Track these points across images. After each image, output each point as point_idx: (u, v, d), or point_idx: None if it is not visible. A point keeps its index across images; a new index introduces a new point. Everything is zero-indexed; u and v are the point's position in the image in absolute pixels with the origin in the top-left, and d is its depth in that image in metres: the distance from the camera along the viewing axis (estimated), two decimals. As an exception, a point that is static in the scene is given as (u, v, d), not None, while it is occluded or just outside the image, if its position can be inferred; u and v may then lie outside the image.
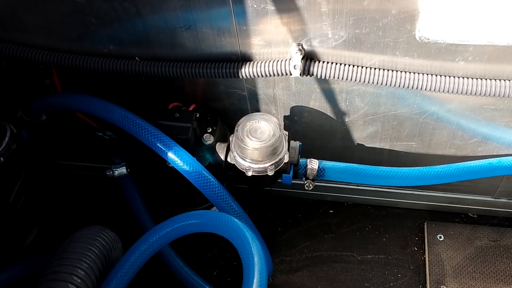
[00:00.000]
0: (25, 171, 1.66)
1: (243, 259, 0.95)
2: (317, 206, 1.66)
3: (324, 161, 1.20)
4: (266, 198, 1.69)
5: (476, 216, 1.60)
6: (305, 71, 1.12)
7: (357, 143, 1.38)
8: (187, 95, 1.34)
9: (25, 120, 1.35)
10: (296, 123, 1.34)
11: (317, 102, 1.27)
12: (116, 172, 1.31)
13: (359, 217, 1.62)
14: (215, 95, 1.32)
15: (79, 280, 0.96)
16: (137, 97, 1.37)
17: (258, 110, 1.33)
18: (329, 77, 1.12)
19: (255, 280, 0.88)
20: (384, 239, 1.57)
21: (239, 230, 0.99)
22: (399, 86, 1.12)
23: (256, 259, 0.92)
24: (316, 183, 1.58)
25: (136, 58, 1.22)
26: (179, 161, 1.14)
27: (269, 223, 1.64)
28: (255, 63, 1.15)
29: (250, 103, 1.32)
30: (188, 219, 1.03)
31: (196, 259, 1.57)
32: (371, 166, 1.22)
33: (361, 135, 1.35)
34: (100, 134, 1.40)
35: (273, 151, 1.13)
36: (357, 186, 1.59)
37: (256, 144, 1.12)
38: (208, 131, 1.26)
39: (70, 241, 1.06)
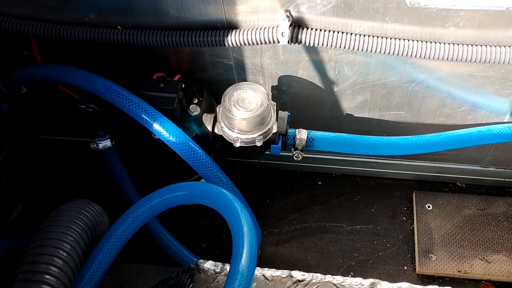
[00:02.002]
0: (7, 146, 1.63)
1: (232, 230, 0.93)
2: (305, 177, 1.65)
3: (313, 131, 1.18)
4: (254, 171, 1.68)
5: (464, 185, 1.61)
6: (293, 39, 1.10)
7: (346, 113, 1.37)
8: (171, 65, 1.31)
9: (4, 93, 1.30)
10: (284, 93, 1.32)
11: (306, 72, 1.24)
12: (100, 145, 1.28)
13: (348, 188, 1.62)
14: (200, 65, 1.28)
15: (64, 254, 0.94)
16: (120, 68, 1.33)
17: (245, 80, 1.30)
18: (318, 44, 1.10)
19: (244, 250, 0.87)
20: (372, 210, 1.57)
21: (227, 201, 0.97)
22: (388, 53, 1.10)
23: (245, 229, 0.90)
24: (304, 155, 1.57)
25: (118, 27, 1.18)
26: (165, 132, 1.11)
27: (258, 195, 1.63)
28: (242, 30, 1.12)
29: (237, 73, 1.29)
30: (176, 190, 1.01)
31: (184, 233, 1.55)
32: (360, 135, 1.21)
33: (350, 104, 1.33)
34: (83, 106, 1.36)
35: (261, 121, 1.11)
36: (346, 157, 1.58)
37: (243, 114, 1.09)
38: (194, 101, 1.23)
39: (55, 214, 1.04)
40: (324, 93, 1.30)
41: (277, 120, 1.17)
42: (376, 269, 1.46)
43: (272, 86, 1.31)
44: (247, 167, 1.68)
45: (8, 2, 1.19)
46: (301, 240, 1.53)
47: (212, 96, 1.32)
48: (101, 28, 1.17)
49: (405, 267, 1.46)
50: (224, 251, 1.54)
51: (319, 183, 1.64)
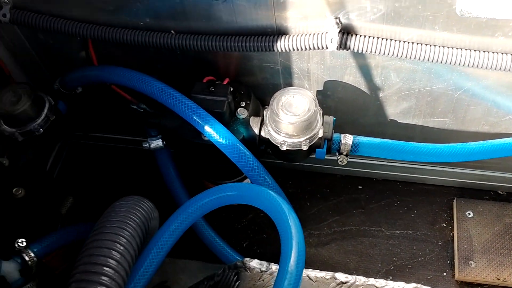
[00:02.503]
0: (60, 142, 1.71)
1: (280, 230, 0.96)
2: (345, 181, 1.67)
3: (358, 136, 1.20)
4: (294, 173, 1.71)
5: (505, 193, 1.60)
6: (342, 45, 1.12)
7: (390, 119, 1.38)
8: (220, 69, 1.35)
9: (61, 92, 1.37)
10: (329, 98, 1.35)
11: (352, 77, 1.27)
12: (152, 144, 1.33)
13: (388, 193, 1.63)
14: (248, 69, 1.32)
15: (121, 248, 0.99)
16: (171, 71, 1.38)
17: (291, 85, 1.33)
18: (366, 51, 1.12)
19: (293, 251, 0.90)
20: (412, 215, 1.58)
21: (275, 203, 1.00)
22: (436, 61, 1.11)
23: (293, 230, 0.94)
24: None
25: (172, 31, 1.23)
26: (215, 134, 1.16)
27: (298, 197, 1.66)
28: (291, 36, 1.15)
29: (283, 78, 1.32)
30: (226, 190, 1.05)
31: (226, 231, 1.60)
32: (405, 142, 1.22)
33: (394, 110, 1.35)
34: (135, 107, 1.42)
35: (308, 125, 1.14)
36: (387, 162, 1.59)
37: (291, 118, 1.12)
38: (242, 105, 1.27)
39: (111, 210, 1.09)
40: (369, 98, 1.32)
41: (322, 124, 1.19)
42: (415, 274, 1.47)
43: (317, 91, 1.33)
44: (287, 170, 1.71)
45: (68, 5, 1.25)
46: (341, 242, 1.55)
47: (258, 100, 1.36)
48: (155, 32, 1.23)
49: (444, 273, 1.47)
50: (264, 250, 1.57)
51: (359, 187, 1.65)
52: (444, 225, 1.55)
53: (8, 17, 1.26)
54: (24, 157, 1.28)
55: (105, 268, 0.95)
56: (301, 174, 1.70)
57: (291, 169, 1.71)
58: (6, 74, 1.45)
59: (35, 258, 1.19)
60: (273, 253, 1.57)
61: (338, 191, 1.65)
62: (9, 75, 1.46)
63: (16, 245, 1.17)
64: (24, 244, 1.18)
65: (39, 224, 1.27)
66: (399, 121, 1.38)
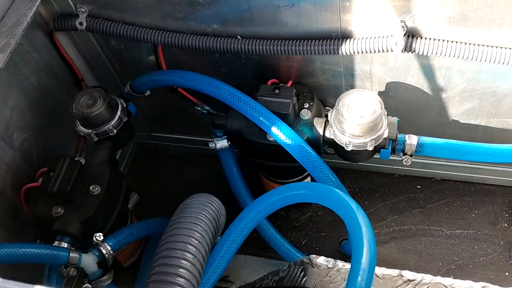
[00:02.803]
0: (132, 142, 1.80)
1: (350, 229, 0.99)
2: (404, 181, 1.68)
3: (422, 137, 1.22)
4: (351, 173, 1.73)
5: None
6: (407, 48, 1.14)
7: (451, 119, 1.39)
8: (282, 72, 1.39)
9: (132, 95, 1.45)
10: (391, 98, 1.36)
11: (415, 78, 1.28)
12: (218, 144, 1.39)
13: (448, 192, 1.63)
14: (310, 71, 1.36)
15: (196, 242, 1.04)
16: (234, 74, 1.43)
17: (352, 86, 1.36)
18: (431, 53, 1.13)
19: (365, 248, 0.92)
20: (473, 215, 1.57)
21: (344, 202, 1.03)
22: (503, 63, 1.11)
23: (364, 229, 0.96)
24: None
25: (238, 36, 1.28)
26: (281, 135, 1.20)
27: (355, 197, 1.68)
28: (356, 39, 1.18)
29: (345, 79, 1.35)
30: (296, 189, 1.09)
31: (284, 229, 1.64)
32: (470, 142, 1.22)
33: (457, 111, 1.36)
34: (199, 108, 1.48)
35: (374, 126, 1.16)
36: (446, 161, 1.59)
37: (357, 119, 1.15)
38: (305, 106, 1.30)
39: (184, 206, 1.15)
40: (431, 99, 1.33)
41: (387, 125, 1.21)
42: (476, 274, 1.47)
43: (379, 92, 1.35)
44: (345, 169, 1.73)
45: (140, 13, 1.32)
46: (400, 241, 1.56)
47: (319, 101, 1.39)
48: (222, 37, 1.28)
49: (507, 273, 1.46)
50: (323, 247, 1.61)
51: (418, 186, 1.66)
52: (506, 225, 1.54)
53: (84, 25, 1.34)
54: (99, 156, 1.36)
55: (182, 261, 1.00)
56: (359, 173, 1.72)
57: (348, 169, 1.73)
58: (79, 78, 1.54)
59: (111, 251, 1.26)
60: (331, 250, 1.60)
61: (396, 191, 1.66)
62: (81, 79, 1.55)
63: (94, 239, 1.25)
64: (102, 238, 1.25)
65: (113, 220, 1.34)
66: (461, 121, 1.39)
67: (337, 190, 1.07)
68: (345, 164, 1.69)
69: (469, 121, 1.38)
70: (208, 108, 1.47)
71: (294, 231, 1.65)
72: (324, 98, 1.42)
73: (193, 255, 1.04)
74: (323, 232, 1.63)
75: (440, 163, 1.59)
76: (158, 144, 1.90)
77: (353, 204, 1.02)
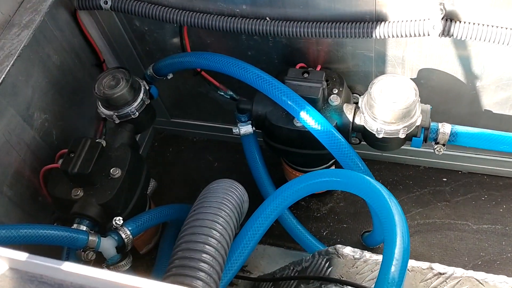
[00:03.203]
0: (152, 127, 1.77)
1: (383, 218, 0.95)
2: (429, 173, 1.64)
3: (456, 125, 1.17)
4: (376, 164, 1.68)
5: None
6: (444, 32, 1.09)
7: (484, 109, 1.34)
8: (310, 56, 1.35)
9: (154, 78, 1.41)
10: (422, 86, 1.31)
11: (449, 65, 1.24)
12: (242, 130, 1.35)
13: (475, 186, 1.58)
14: (340, 56, 1.32)
15: (220, 227, 1.01)
16: (261, 58, 1.39)
17: (383, 72, 1.32)
18: (471, 38, 1.09)
19: (398, 238, 0.89)
20: (501, 210, 1.52)
21: (376, 190, 0.99)
22: (544, 49, 1.06)
23: (397, 218, 0.92)
24: (429, 149, 1.56)
25: (267, 18, 1.24)
26: (310, 120, 1.16)
27: (379, 188, 1.63)
28: (391, 22, 1.13)
29: (376, 65, 1.31)
30: (325, 176, 1.05)
31: (305, 219, 1.60)
32: (505, 132, 1.18)
33: (490, 101, 1.31)
34: (222, 93, 1.45)
35: (407, 113, 1.12)
36: (474, 154, 1.54)
37: (391, 105, 1.11)
38: (334, 92, 1.26)
39: (208, 191, 1.11)
40: (464, 87, 1.28)
41: (420, 113, 1.17)
42: (504, 270, 1.42)
43: (411, 79, 1.30)
44: (369, 160, 1.68)
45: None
46: (425, 235, 1.52)
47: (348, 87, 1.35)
48: (251, 19, 1.24)
49: (536, 271, 1.41)
50: (345, 239, 1.57)
51: (444, 179, 1.61)
52: (536, 221, 1.49)
53: (109, 4, 1.31)
54: (120, 139, 1.33)
55: (206, 246, 0.97)
56: (383, 164, 1.67)
57: (372, 160, 1.68)
58: (100, 60, 1.51)
59: (130, 236, 1.23)
60: (353, 242, 1.56)
61: (421, 183, 1.62)
62: (103, 61, 1.51)
63: (114, 223, 1.22)
64: (121, 222, 1.22)
65: (133, 204, 1.31)
66: (494, 111, 1.34)
67: (367, 177, 1.03)
68: (369, 155, 1.66)
69: (502, 112, 1.33)
70: (231, 93, 1.44)
71: (315, 222, 1.61)
72: (352, 84, 1.38)
73: (217, 240, 1.00)
74: (344, 224, 1.59)
75: (467, 155, 1.54)
76: (177, 130, 1.86)
77: (385, 192, 0.99)
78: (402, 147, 1.58)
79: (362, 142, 1.32)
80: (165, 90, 1.67)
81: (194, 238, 1.00)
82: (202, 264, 0.96)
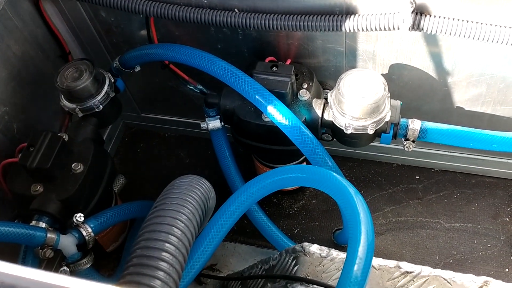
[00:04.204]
0: (121, 122, 1.73)
1: (347, 215, 0.92)
2: (402, 171, 1.62)
3: (426, 122, 1.15)
4: (348, 161, 1.66)
5: None
6: (414, 26, 1.07)
7: (456, 106, 1.32)
8: (280, 50, 1.32)
9: (121, 70, 1.37)
10: (393, 82, 1.29)
11: (420, 61, 1.22)
12: (210, 124, 1.31)
13: (447, 184, 1.57)
14: (310, 50, 1.29)
15: (182, 225, 0.98)
16: (230, 51, 1.35)
17: (354, 67, 1.29)
18: (440, 32, 1.06)
19: (362, 236, 0.86)
20: (473, 208, 1.51)
21: (342, 186, 0.97)
22: (513, 44, 1.05)
23: (362, 215, 0.90)
24: (403, 146, 1.54)
25: (236, 9, 1.20)
26: (277, 114, 1.13)
27: (351, 185, 1.61)
28: (361, 16, 1.10)
29: (347, 60, 1.28)
30: (291, 172, 1.02)
31: (277, 217, 1.57)
32: (476, 130, 1.16)
33: (462, 97, 1.29)
34: (191, 87, 1.41)
35: (376, 108, 1.09)
36: (447, 151, 1.53)
37: (358, 100, 1.08)
38: (304, 86, 1.23)
39: (171, 187, 1.08)
40: (436, 84, 1.27)
41: (390, 108, 1.14)
42: (475, 269, 1.41)
43: (382, 74, 1.28)
44: (341, 157, 1.66)
45: (131, -17, 1.24)
46: (396, 233, 1.50)
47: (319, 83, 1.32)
48: (219, 10, 1.20)
49: (507, 269, 1.40)
50: (316, 237, 1.54)
51: (417, 177, 1.60)
52: (507, 219, 1.48)
53: (73, -8, 1.26)
54: (83, 133, 1.28)
55: (166, 244, 0.93)
56: (356, 161, 1.65)
57: (344, 157, 1.66)
58: (65, 51, 1.46)
59: (92, 233, 1.19)
60: (324, 240, 1.54)
61: (394, 181, 1.60)
62: (69, 53, 1.47)
63: (74, 219, 1.18)
64: (82, 219, 1.18)
65: (96, 201, 1.27)
66: (466, 108, 1.32)
67: (334, 174, 1.00)
68: (341, 151, 1.64)
69: (474, 109, 1.31)
70: (201, 87, 1.41)
71: (287, 219, 1.58)
72: (324, 80, 1.36)
73: (178, 238, 0.97)
74: (316, 221, 1.57)
75: (440, 152, 1.53)
76: (147, 125, 1.82)
77: (351, 189, 0.96)
78: (375, 144, 1.57)
79: (335, 139, 1.30)
80: (134, 84, 1.63)
81: (154, 236, 0.96)
82: (162, 263, 0.92)
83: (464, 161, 1.54)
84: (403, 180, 1.60)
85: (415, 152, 1.56)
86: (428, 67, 1.23)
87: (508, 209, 1.50)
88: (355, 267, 0.83)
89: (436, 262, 1.43)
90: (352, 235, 0.88)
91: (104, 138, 1.72)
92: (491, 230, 1.47)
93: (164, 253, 0.93)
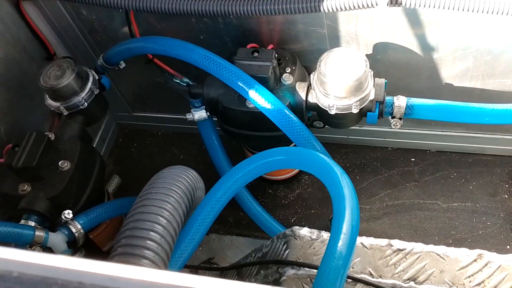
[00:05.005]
0: (105, 119, 1.72)
1: (332, 192, 0.91)
2: (397, 154, 1.60)
3: (412, 98, 1.13)
4: (342, 147, 1.65)
5: None
6: (393, 1, 1.05)
7: (444, 83, 1.30)
8: (263, 37, 1.30)
9: (106, 68, 1.36)
10: (379, 62, 1.28)
11: (403, 38, 1.20)
12: (196, 115, 1.30)
13: (443, 164, 1.54)
14: (293, 35, 1.27)
15: (167, 213, 0.97)
16: (213, 41, 1.34)
17: (338, 50, 1.27)
18: (419, 6, 1.04)
19: (347, 211, 0.84)
20: (471, 187, 1.49)
21: (326, 165, 0.95)
22: (497, 13, 1.02)
23: (346, 191, 0.88)
24: (397, 130, 1.52)
25: (214, -3, 1.19)
26: (260, 99, 1.11)
27: (347, 172, 1.52)
28: (338, -6, 1.09)
29: (330, 43, 1.27)
30: (274, 155, 1.01)
31: (273, 207, 1.56)
32: (463, 103, 1.14)
33: (450, 73, 1.27)
34: (178, 81, 1.40)
35: (359, 86, 1.07)
36: (441, 131, 1.51)
37: (340, 79, 1.07)
38: (287, 71, 1.22)
39: (157, 177, 1.07)
40: (422, 61, 1.25)
41: (374, 86, 1.13)
42: (475, 248, 1.35)
43: (367, 55, 1.26)
44: (335, 144, 1.65)
45: (109, -22, 1.24)
46: (394, 217, 1.48)
47: (304, 67, 1.31)
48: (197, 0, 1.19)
49: (508, 246, 1.38)
50: (313, 225, 1.50)
51: (412, 159, 1.58)
52: (506, 196, 1.45)
53: (51, -9, 1.26)
54: (69, 131, 1.28)
55: (151, 233, 0.92)
56: (350, 148, 1.63)
57: (338, 144, 1.65)
58: (50, 53, 1.46)
59: (81, 230, 1.18)
60: (321, 228, 1.47)
61: (389, 164, 1.58)
62: (54, 54, 1.46)
63: (63, 216, 1.17)
64: (71, 215, 1.17)
65: (85, 198, 1.26)
66: (455, 84, 1.30)
67: (319, 153, 0.98)
68: (335, 138, 1.62)
69: (463, 84, 1.29)
70: (187, 80, 1.39)
71: (283, 209, 1.57)
72: (309, 64, 1.34)
73: (163, 227, 0.96)
74: (312, 210, 1.55)
75: (435, 133, 1.51)
76: (140, 124, 1.82)
77: (335, 167, 0.94)
78: (368, 128, 1.55)
79: (326, 126, 1.29)
80: (123, 83, 1.63)
81: (139, 225, 0.95)
82: (147, 251, 0.91)
83: (460, 140, 1.52)
84: (399, 163, 1.58)
85: (409, 134, 1.54)
86: (412, 44, 1.21)
87: (507, 186, 1.47)
88: (340, 243, 0.82)
89: (435, 243, 1.36)
90: (337, 210, 0.87)
91: (97, 140, 1.74)
92: (490, 208, 1.44)
93: (149, 242, 0.93)
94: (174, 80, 1.40)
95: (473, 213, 1.44)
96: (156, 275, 0.43)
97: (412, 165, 1.56)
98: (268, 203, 1.57)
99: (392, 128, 1.51)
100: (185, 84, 1.40)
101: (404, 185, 1.53)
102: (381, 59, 1.27)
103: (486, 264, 0.98)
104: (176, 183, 1.05)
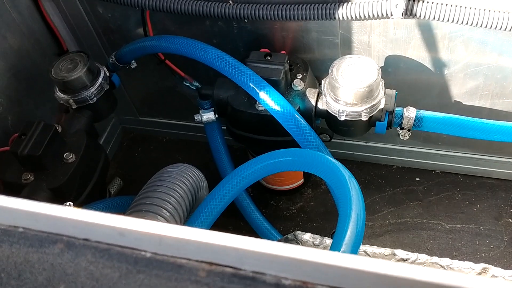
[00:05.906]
0: (112, 120, 1.72)
1: (339, 195, 0.90)
2: (402, 172, 1.59)
3: (422, 110, 1.13)
4: (347, 163, 1.61)
5: None
6: (407, 11, 1.06)
7: (454, 100, 1.30)
8: (276, 44, 1.31)
9: (117, 66, 1.37)
10: (390, 75, 1.28)
11: (416, 51, 1.20)
12: (204, 116, 1.30)
13: (448, 185, 1.53)
14: (306, 43, 1.28)
15: (170, 207, 0.96)
16: (226, 45, 1.35)
17: (350, 60, 1.28)
18: (434, 18, 1.06)
19: (353, 212, 0.83)
20: (475, 209, 1.47)
21: (333, 167, 0.94)
22: (510, 29, 1.03)
23: (353, 193, 0.87)
24: (403, 148, 1.52)
25: (230, 1, 1.21)
26: (270, 101, 1.11)
27: (350, 188, 1.58)
28: (354, 3, 1.10)
29: (342, 52, 1.27)
30: (281, 156, 1.00)
31: (274, 219, 1.54)
32: (473, 118, 1.14)
33: (459, 90, 1.27)
34: (188, 84, 1.40)
35: (370, 93, 1.08)
36: (447, 152, 1.50)
37: (352, 84, 1.07)
38: (298, 77, 1.22)
39: (160, 174, 1.06)
40: (433, 76, 1.25)
41: (384, 95, 1.13)
42: (477, 271, 1.36)
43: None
44: (340, 160, 1.63)
45: (128, -23, 1.25)
46: (396, 235, 1.46)
47: (314, 76, 1.31)
48: (213, 2, 1.21)
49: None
50: (314, 239, 1.50)
51: (417, 179, 1.56)
52: (510, 220, 1.44)
53: (70, -14, 1.28)
54: (76, 124, 1.28)
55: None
56: (354, 164, 1.62)
57: (343, 159, 1.63)
58: (63, 49, 1.47)
59: (82, 224, 1.17)
60: (323, 243, 1.49)
61: (394, 182, 1.57)
62: (67, 51, 1.47)
63: (64, 209, 1.16)
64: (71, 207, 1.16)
65: (87, 193, 1.25)
66: (464, 103, 1.30)
67: (326, 156, 0.98)
68: (340, 154, 1.62)
69: (472, 103, 1.29)
70: (197, 83, 1.39)
71: (284, 221, 1.55)
72: (320, 74, 1.34)
73: (166, 220, 0.95)
74: (314, 223, 1.53)
75: (441, 152, 1.50)
76: (146, 129, 1.81)
77: (344, 171, 0.93)
78: (374, 145, 1.55)
79: (332, 140, 1.29)
80: (132, 86, 1.64)
81: (141, 215, 0.95)
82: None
83: (465, 162, 1.51)
84: (403, 182, 1.57)
85: (415, 153, 1.54)
86: (424, 58, 1.21)
87: (511, 210, 1.45)
88: (343, 248, 0.80)
89: (437, 263, 1.38)
90: (342, 212, 0.86)
91: (102, 142, 1.73)
92: (494, 231, 1.42)
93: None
94: (184, 83, 1.40)
95: (477, 235, 1.42)
96: (166, 228, 0.42)
97: (417, 184, 1.55)
98: (269, 214, 1.55)
99: (398, 146, 1.52)
100: (194, 88, 1.40)
101: (407, 204, 1.51)
102: (392, 72, 1.27)
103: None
104: (181, 179, 1.05)
